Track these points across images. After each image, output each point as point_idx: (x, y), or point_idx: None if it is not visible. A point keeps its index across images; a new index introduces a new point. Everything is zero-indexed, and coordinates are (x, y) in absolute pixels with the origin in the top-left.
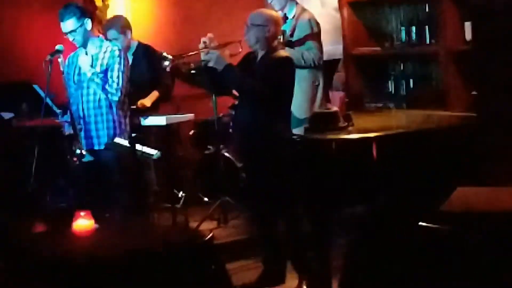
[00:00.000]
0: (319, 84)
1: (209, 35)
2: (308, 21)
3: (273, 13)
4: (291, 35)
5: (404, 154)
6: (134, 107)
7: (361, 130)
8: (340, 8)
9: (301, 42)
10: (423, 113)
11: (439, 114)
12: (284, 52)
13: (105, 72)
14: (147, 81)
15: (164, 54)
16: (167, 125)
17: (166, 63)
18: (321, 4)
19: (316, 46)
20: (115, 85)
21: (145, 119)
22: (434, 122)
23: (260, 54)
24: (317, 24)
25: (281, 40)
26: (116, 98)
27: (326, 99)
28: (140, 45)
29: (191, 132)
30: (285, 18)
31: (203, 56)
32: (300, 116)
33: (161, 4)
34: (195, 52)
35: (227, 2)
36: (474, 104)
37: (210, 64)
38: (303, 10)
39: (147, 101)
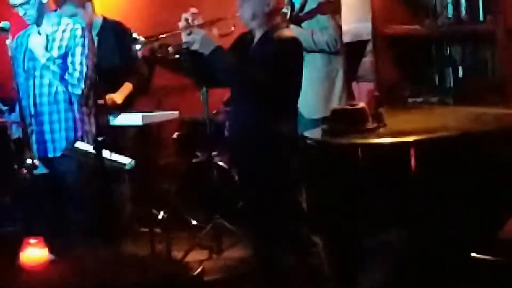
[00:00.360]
0: (336, 74)
1: (192, 10)
2: None
3: None
4: (301, 10)
5: (451, 164)
6: (101, 102)
7: (395, 132)
8: None
9: (311, 15)
10: (475, 111)
11: (497, 112)
12: (289, 32)
13: (64, 57)
14: (117, 69)
15: (134, 35)
16: (144, 125)
17: (137, 46)
18: None
19: (332, 23)
20: (77, 74)
21: (115, 117)
22: (490, 122)
23: (258, 34)
24: None
25: (288, 16)
26: (78, 91)
27: (348, 93)
28: (107, 22)
29: (175, 135)
30: None
31: (185, 38)
32: (310, 116)
33: None
34: (174, 32)
35: None
36: None
37: (194, 47)
38: None
39: (118, 97)
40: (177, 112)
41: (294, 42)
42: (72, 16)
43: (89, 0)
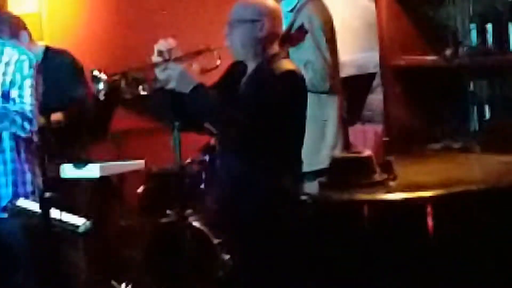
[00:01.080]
0: (328, 118)
1: (167, 41)
2: (311, 12)
3: (268, 1)
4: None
5: (476, 225)
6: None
7: (409, 186)
8: None
9: (293, 41)
10: (506, 159)
11: None
12: (289, 64)
13: (6, 94)
14: (62, 107)
15: (95, 72)
16: (102, 178)
17: (100, 86)
18: None
19: (319, 56)
20: (28, 116)
21: (67, 168)
22: None
23: (251, 66)
24: (326, 21)
25: None
26: (34, 136)
27: (344, 141)
28: (50, 52)
29: (141, 189)
30: None
31: (159, 74)
32: None
33: None
34: (144, 67)
35: None
36: None
37: (171, 86)
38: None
39: (56, 115)
40: (142, 161)
41: (295, 76)
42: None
43: (25, 29)
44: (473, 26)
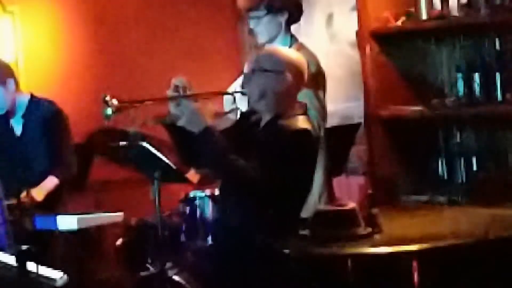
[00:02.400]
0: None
1: (179, 79)
2: (307, 58)
3: (293, 54)
4: None
5: (464, 279)
6: (14, 202)
7: (394, 239)
8: (360, 43)
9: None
10: (494, 212)
11: None
12: (304, 121)
13: None
14: (43, 159)
15: (106, 98)
16: (79, 230)
17: (108, 111)
18: (329, 38)
19: (316, 103)
20: None
21: (43, 220)
22: None
23: (266, 117)
24: (319, 67)
25: None
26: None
27: (328, 192)
28: (34, 101)
29: (119, 242)
30: None
31: (172, 108)
32: None
33: (84, 32)
34: (157, 99)
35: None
36: None
37: (181, 123)
38: (302, 47)
39: (38, 193)
40: (121, 213)
41: (309, 136)
42: None
43: (11, 75)
44: (459, 75)
